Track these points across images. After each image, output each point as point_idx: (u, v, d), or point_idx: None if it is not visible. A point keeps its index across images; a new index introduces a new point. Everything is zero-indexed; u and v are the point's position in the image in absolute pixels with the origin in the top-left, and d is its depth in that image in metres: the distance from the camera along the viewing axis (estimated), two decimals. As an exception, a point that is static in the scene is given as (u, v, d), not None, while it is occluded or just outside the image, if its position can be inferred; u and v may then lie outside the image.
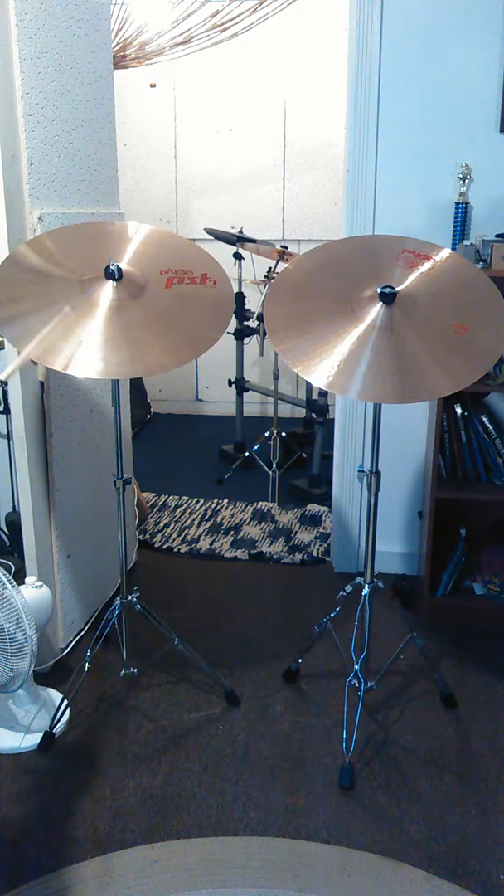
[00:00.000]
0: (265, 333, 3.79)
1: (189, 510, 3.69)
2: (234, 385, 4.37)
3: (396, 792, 1.97)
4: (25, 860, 1.74)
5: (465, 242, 2.60)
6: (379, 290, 1.85)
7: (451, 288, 1.94)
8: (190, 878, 1.72)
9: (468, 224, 2.67)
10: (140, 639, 2.52)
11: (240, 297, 4.10)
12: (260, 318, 3.83)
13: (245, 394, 4.44)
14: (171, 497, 3.85)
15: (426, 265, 1.94)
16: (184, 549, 3.29)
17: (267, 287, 3.79)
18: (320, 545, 3.31)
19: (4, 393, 2.27)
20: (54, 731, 2.11)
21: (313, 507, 3.70)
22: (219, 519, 3.59)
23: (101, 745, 2.12)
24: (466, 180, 2.64)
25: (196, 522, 3.55)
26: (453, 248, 2.61)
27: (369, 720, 2.19)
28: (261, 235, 4.30)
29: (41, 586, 2.12)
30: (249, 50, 4.68)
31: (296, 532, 3.45)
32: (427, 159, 2.68)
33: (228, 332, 3.76)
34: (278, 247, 3.78)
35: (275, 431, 3.81)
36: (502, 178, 2.66)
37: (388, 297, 1.84)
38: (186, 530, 3.46)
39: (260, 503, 3.75)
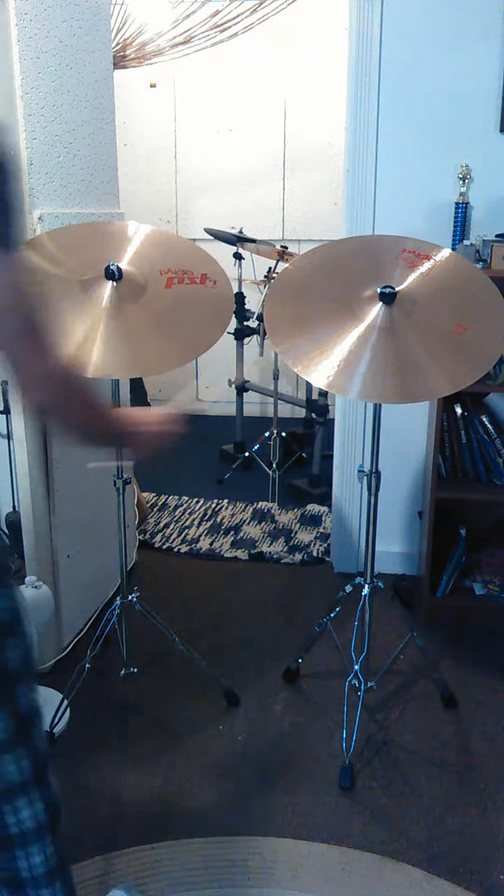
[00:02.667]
0: (265, 333, 3.79)
1: (189, 510, 3.69)
2: (234, 385, 4.37)
3: (396, 792, 1.97)
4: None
5: (465, 242, 2.60)
6: (379, 290, 1.85)
7: (451, 288, 1.94)
8: (190, 878, 1.72)
9: (468, 224, 2.67)
10: (140, 639, 2.52)
11: (240, 297, 4.10)
12: (260, 318, 3.83)
13: (245, 394, 4.44)
14: (171, 497, 3.85)
15: (426, 265, 1.94)
16: (184, 549, 3.29)
17: (267, 287, 3.79)
18: (320, 545, 3.31)
19: (4, 393, 2.27)
20: (54, 730, 2.11)
21: (313, 507, 3.70)
22: (219, 519, 3.59)
23: (101, 745, 2.12)
24: (466, 180, 2.64)
25: (196, 522, 3.55)
26: (453, 248, 2.61)
27: (369, 720, 2.19)
28: (261, 235, 4.29)
29: (41, 586, 2.13)
30: (249, 50, 4.68)
31: (296, 532, 3.45)
32: (427, 159, 2.68)
33: (228, 332, 3.77)
34: (278, 247, 3.78)
35: (275, 431, 3.81)
36: (502, 178, 2.66)
37: (387, 298, 1.84)
38: (186, 530, 3.46)
39: (260, 503, 3.75)
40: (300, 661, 2.39)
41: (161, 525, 3.52)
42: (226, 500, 3.79)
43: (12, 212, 0.99)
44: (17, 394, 1.06)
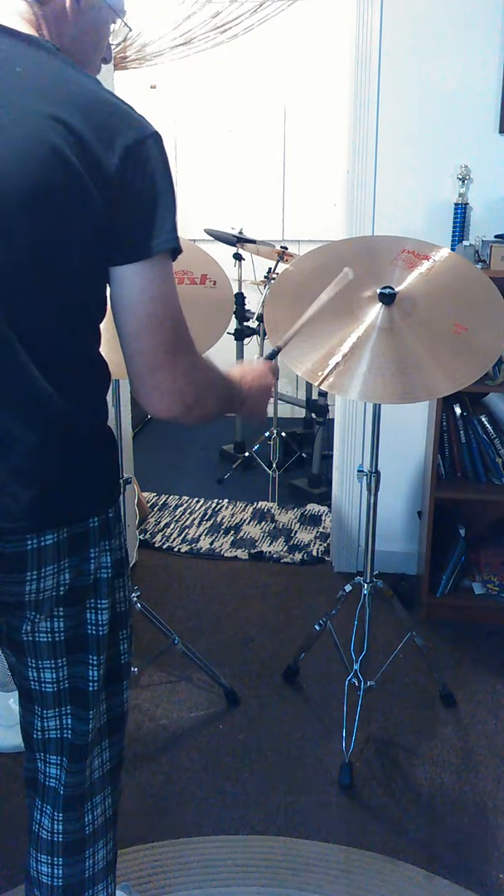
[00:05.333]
0: (265, 334, 3.79)
1: (189, 510, 3.70)
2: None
3: (396, 791, 1.97)
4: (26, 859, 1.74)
5: (465, 243, 2.60)
6: (378, 290, 1.86)
7: (451, 288, 1.94)
8: (190, 877, 1.72)
9: (467, 225, 2.68)
10: (140, 638, 2.52)
11: (240, 298, 4.10)
12: (260, 318, 3.83)
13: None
14: (171, 497, 3.85)
15: (425, 265, 1.95)
16: (184, 548, 3.29)
17: (267, 288, 3.79)
18: (320, 545, 3.32)
19: None
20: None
21: (313, 507, 3.71)
22: (219, 519, 3.59)
23: (102, 744, 2.12)
24: (466, 181, 2.65)
25: (196, 522, 3.56)
26: (452, 249, 2.61)
27: (369, 719, 2.19)
28: (261, 236, 4.30)
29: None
30: (250, 51, 4.68)
31: (296, 532, 3.46)
32: (426, 160, 2.68)
33: (228, 333, 3.75)
34: (278, 247, 3.79)
35: (275, 431, 3.81)
36: (502, 179, 2.66)
37: (387, 298, 1.85)
38: (186, 530, 3.47)
39: (260, 503, 3.75)
40: (300, 660, 2.40)
41: (161, 525, 3.52)
42: (226, 500, 3.80)
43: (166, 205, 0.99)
44: (154, 403, 1.07)
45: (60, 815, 1.22)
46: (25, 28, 0.99)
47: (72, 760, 1.19)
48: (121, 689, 1.24)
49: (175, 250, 1.01)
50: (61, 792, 1.21)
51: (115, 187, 0.94)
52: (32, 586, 1.06)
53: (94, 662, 1.16)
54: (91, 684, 1.17)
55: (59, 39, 1.03)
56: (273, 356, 1.51)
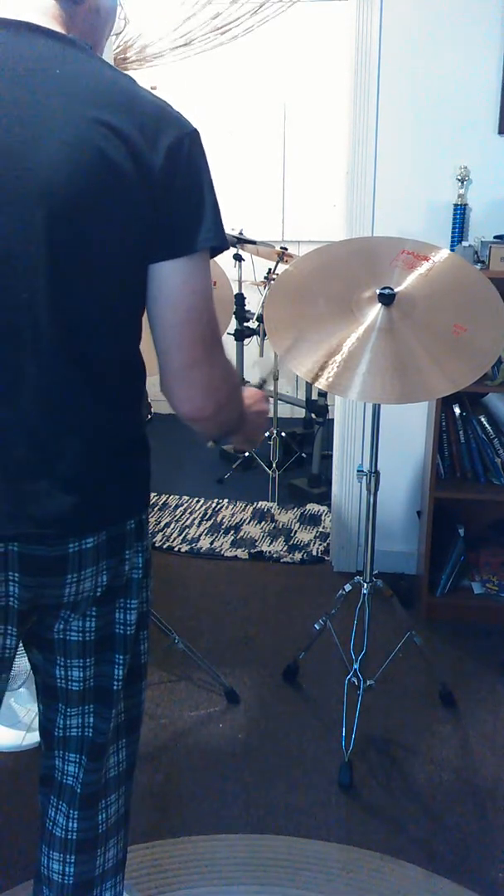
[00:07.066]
0: (265, 334, 3.80)
1: (189, 510, 3.70)
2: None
3: (395, 790, 1.98)
4: (26, 858, 1.75)
5: (464, 244, 2.61)
6: (378, 291, 1.86)
7: (450, 289, 1.95)
8: (189, 875, 1.73)
9: (467, 225, 2.68)
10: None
11: (240, 299, 4.11)
12: (260, 319, 3.84)
13: (245, 394, 4.43)
14: (171, 497, 3.86)
15: (425, 266, 1.95)
16: (184, 548, 3.30)
17: (267, 288, 3.80)
18: (320, 544, 3.33)
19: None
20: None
21: (313, 507, 3.71)
22: (219, 518, 3.60)
23: (102, 743, 2.12)
24: (465, 182, 2.65)
25: (196, 522, 3.56)
26: (452, 250, 2.62)
27: (368, 718, 2.20)
28: (261, 237, 4.30)
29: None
30: (250, 52, 4.69)
31: (295, 531, 3.46)
32: (426, 161, 2.69)
33: (228, 333, 3.76)
34: (278, 248, 3.80)
35: (274, 431, 3.82)
36: (501, 180, 2.67)
37: (386, 299, 1.85)
38: (187, 530, 3.48)
39: (260, 503, 3.76)
40: (300, 659, 2.40)
41: (161, 524, 3.53)
42: (226, 500, 3.80)
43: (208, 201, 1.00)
44: (189, 400, 1.06)
45: (76, 812, 1.23)
46: (54, 25, 0.98)
47: (90, 759, 1.20)
48: (139, 689, 1.25)
49: (215, 249, 1.01)
50: (78, 790, 1.22)
51: (160, 186, 0.95)
52: (72, 588, 1.07)
53: (120, 662, 1.17)
54: (115, 683, 1.18)
55: (89, 35, 1.04)
56: (260, 387, 1.51)
